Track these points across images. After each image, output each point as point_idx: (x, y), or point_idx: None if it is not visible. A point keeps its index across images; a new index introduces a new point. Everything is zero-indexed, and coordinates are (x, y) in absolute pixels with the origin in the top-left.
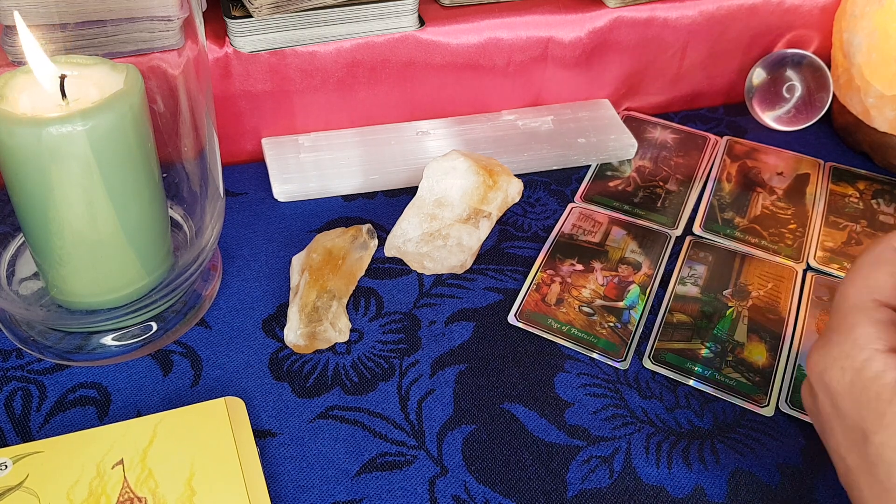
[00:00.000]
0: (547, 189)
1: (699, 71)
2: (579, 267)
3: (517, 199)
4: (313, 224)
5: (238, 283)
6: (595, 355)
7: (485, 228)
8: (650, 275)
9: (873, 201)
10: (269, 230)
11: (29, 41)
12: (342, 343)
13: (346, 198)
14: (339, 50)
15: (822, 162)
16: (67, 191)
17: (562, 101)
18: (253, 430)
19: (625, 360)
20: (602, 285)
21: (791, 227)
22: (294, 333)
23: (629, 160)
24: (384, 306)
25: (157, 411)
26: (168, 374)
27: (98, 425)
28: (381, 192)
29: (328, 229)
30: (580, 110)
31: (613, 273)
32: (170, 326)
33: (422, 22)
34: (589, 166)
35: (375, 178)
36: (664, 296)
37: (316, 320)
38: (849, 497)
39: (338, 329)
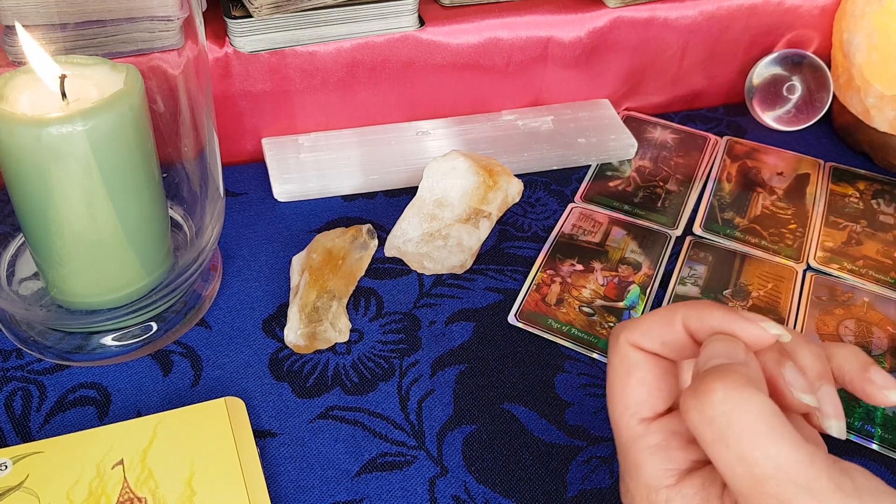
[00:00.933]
0: (547, 189)
1: (699, 71)
2: (579, 267)
3: (517, 199)
4: (313, 224)
5: (238, 284)
6: (595, 355)
7: (485, 228)
8: (650, 275)
9: (873, 201)
10: (269, 230)
11: (29, 43)
12: (342, 343)
13: (346, 198)
14: (339, 50)
15: (822, 162)
16: (67, 191)
17: (562, 101)
18: (253, 431)
19: None
20: (602, 285)
21: (791, 227)
22: (294, 333)
23: (629, 160)
24: (384, 306)
25: (157, 411)
26: (168, 375)
27: (98, 425)
28: (381, 192)
29: (328, 229)
30: (580, 110)
31: (613, 273)
32: (170, 326)
33: (422, 22)
34: (589, 166)
35: (375, 178)
36: (664, 296)
37: (316, 320)
38: None
39: (338, 329)
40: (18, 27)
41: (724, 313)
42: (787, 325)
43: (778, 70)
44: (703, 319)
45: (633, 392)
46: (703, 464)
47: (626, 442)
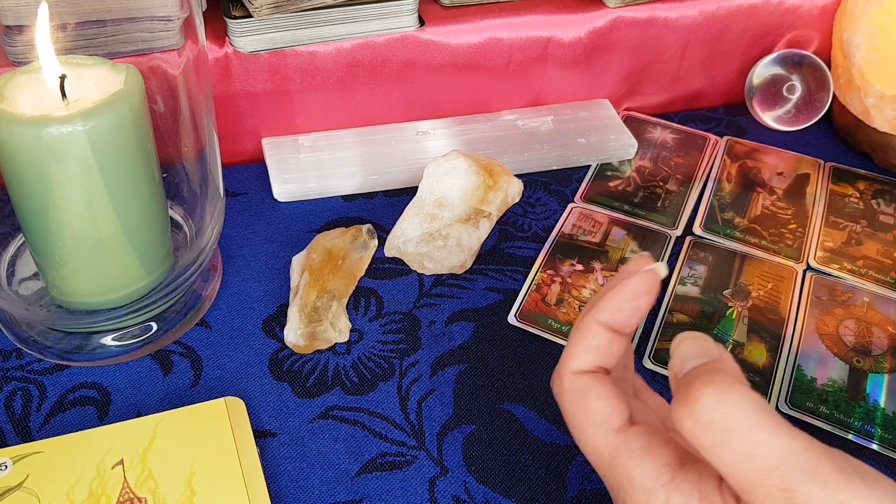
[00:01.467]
0: (547, 189)
1: (699, 71)
2: (579, 267)
3: (517, 199)
4: (313, 224)
5: (238, 284)
6: None
7: (485, 228)
8: None
9: (873, 201)
10: (269, 230)
11: (43, 40)
12: (342, 343)
13: (346, 198)
14: (339, 50)
15: (822, 162)
16: (67, 191)
17: (562, 101)
18: (253, 431)
19: None
20: (602, 285)
21: (791, 227)
22: (294, 333)
23: (629, 160)
24: (384, 306)
25: (157, 411)
26: (168, 375)
27: (98, 425)
28: (381, 192)
29: (328, 229)
30: (580, 110)
31: (614, 273)
32: (170, 326)
33: (422, 22)
34: (589, 166)
35: (375, 178)
36: (664, 296)
37: (316, 320)
38: None
39: (338, 329)
40: (42, 18)
41: (618, 288)
42: (787, 325)
43: (778, 70)
44: (609, 308)
45: (596, 409)
46: (692, 458)
47: (611, 457)
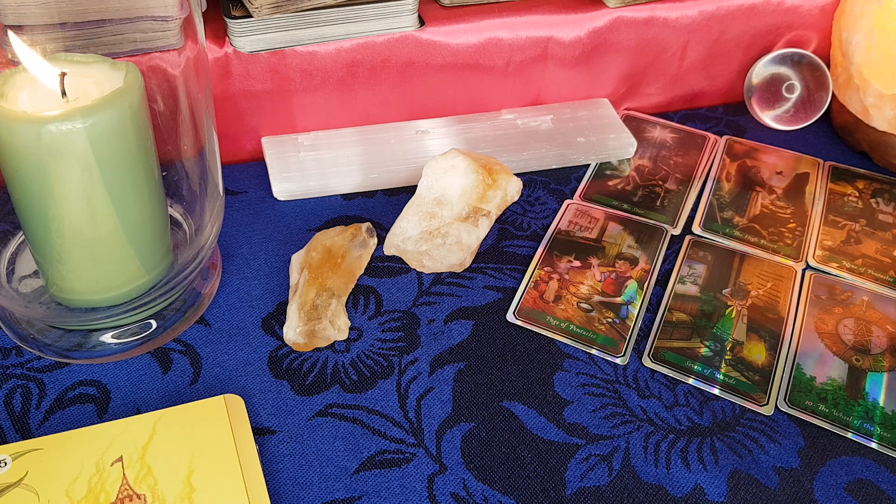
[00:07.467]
0: (546, 188)
1: (699, 71)
2: (577, 263)
3: (516, 198)
4: (313, 222)
5: (237, 282)
6: (594, 351)
7: (484, 227)
8: (647, 269)
9: (872, 200)
10: (269, 229)
11: (20, 47)
12: (341, 341)
13: (346, 196)
14: (339, 50)
15: (821, 161)
16: (67, 188)
17: (561, 101)
18: (252, 428)
19: (623, 355)
20: (599, 281)
21: (790, 226)
22: (293, 331)
23: (628, 159)
24: (383, 304)
25: (157, 409)
26: (167, 372)
27: (97, 423)
28: (381, 190)
29: (328, 228)
30: (580, 109)
31: (611, 269)
32: (169, 324)
33: (422, 22)
34: (588, 165)
35: (375, 176)
36: (664, 294)
37: (315, 318)
38: None
39: (337, 327)
40: (9, 32)
41: None
42: (786, 323)
43: (777, 69)
44: None
45: None
46: None
47: None
